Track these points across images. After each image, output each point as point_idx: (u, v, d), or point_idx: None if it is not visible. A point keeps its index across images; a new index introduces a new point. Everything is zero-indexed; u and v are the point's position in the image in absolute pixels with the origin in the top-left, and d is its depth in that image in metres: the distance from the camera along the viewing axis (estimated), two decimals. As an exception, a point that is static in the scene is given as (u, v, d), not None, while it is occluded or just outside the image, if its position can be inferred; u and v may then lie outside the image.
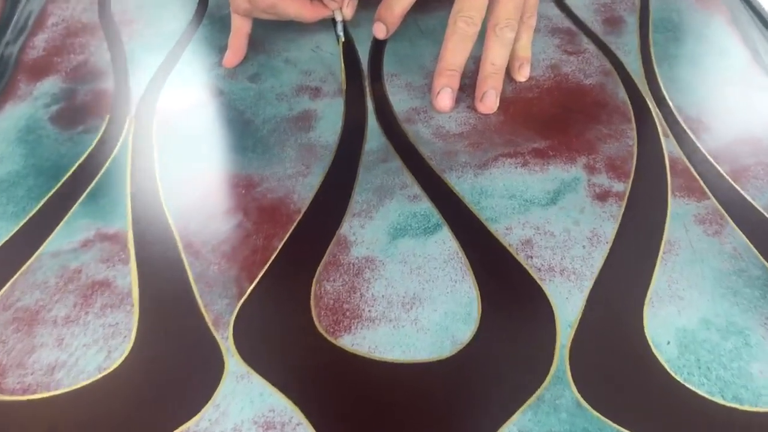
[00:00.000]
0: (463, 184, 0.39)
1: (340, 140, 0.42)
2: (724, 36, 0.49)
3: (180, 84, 0.46)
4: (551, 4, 0.53)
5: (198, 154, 0.41)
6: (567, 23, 0.51)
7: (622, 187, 0.38)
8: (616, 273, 0.34)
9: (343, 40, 0.48)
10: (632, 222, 0.36)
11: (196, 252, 0.35)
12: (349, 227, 0.37)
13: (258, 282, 0.34)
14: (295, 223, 0.37)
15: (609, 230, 0.36)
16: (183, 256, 0.35)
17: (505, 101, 0.44)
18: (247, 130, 0.43)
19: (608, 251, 0.35)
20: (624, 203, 0.38)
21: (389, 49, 0.49)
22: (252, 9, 0.46)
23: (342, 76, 0.47)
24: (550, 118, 0.43)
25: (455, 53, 0.43)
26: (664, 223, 0.36)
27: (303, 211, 0.37)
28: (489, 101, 0.43)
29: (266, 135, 0.42)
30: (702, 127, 0.42)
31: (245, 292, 0.33)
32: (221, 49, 0.49)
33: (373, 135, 0.42)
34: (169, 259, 0.35)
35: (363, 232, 0.36)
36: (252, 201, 0.38)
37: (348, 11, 0.48)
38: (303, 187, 0.39)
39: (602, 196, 0.38)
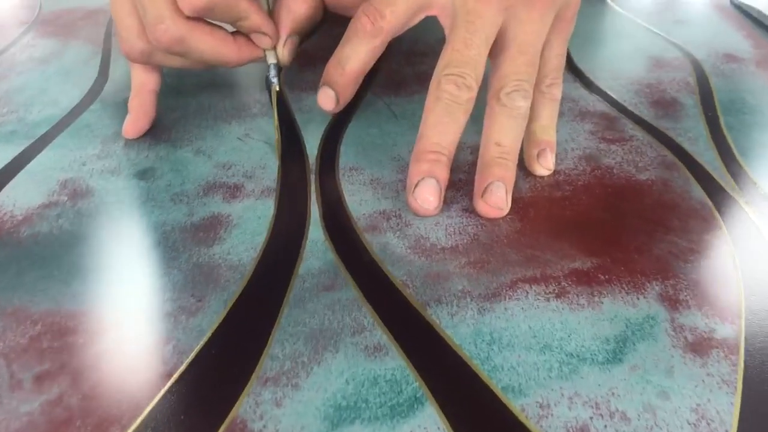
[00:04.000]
0: (460, 327, 0.24)
1: (262, 258, 0.28)
2: (827, 118, 0.37)
3: (32, 183, 0.33)
4: (575, 84, 0.42)
5: (24, 283, 0.27)
6: (601, 106, 0.40)
7: (732, 330, 0.24)
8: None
9: (277, 89, 0.36)
10: (763, 392, 0.22)
11: (-39, 454, 0.20)
12: (253, 404, 0.22)
13: None
14: (158, 397, 0.22)
15: (725, 407, 0.21)
16: (-66, 462, 0.20)
17: (520, 201, 0.31)
18: (114, 243, 0.29)
19: (733, 448, 0.20)
20: (741, 359, 0.23)
21: (349, 136, 0.37)
22: (151, 50, 0.34)
23: (277, 168, 0.34)
24: (593, 226, 0.30)
25: (441, 128, 0.31)
26: (821, 393, 0.22)
27: (177, 374, 0.23)
28: (495, 198, 0.30)
29: (145, 252, 0.29)
30: (839, 237, 0.29)
31: None
32: (105, 139, 0.37)
33: (315, 250, 0.28)
34: None
35: (277, 414, 0.21)
36: (90, 357, 0.23)
37: (285, 53, 0.36)
38: (186, 334, 0.24)
39: (701, 348, 0.24)
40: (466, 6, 0.32)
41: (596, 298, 0.26)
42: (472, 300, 0.26)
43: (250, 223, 0.30)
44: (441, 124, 0.31)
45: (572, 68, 0.45)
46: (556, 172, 0.34)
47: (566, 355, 0.23)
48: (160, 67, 0.38)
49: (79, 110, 0.40)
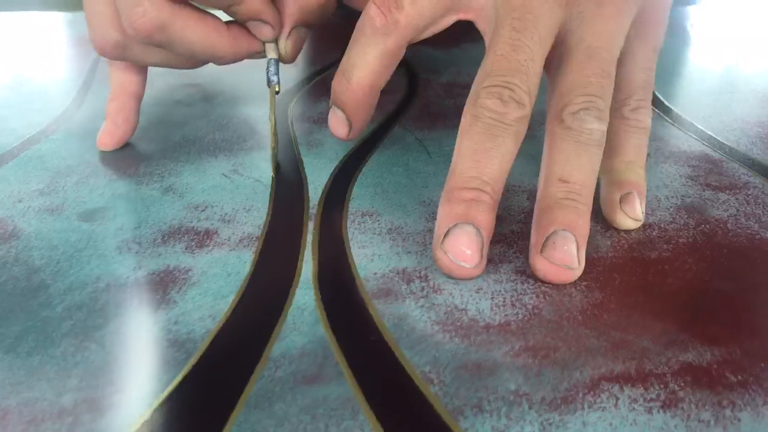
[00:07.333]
0: (511, 453, 0.16)
1: (221, 331, 0.20)
2: None
3: (-54, 221, 0.26)
4: (661, 121, 0.34)
5: None
6: (698, 146, 0.31)
7: None
8: None
9: (278, 89, 0.29)
10: None
11: None
12: None
13: None
14: None
15: None
16: None
17: (598, 263, 0.23)
18: (19, 302, 0.21)
19: None
20: None
21: (366, 175, 0.29)
22: (126, 42, 0.28)
23: (268, 209, 0.27)
24: (708, 301, 0.21)
25: (480, 157, 0.23)
26: None
27: None
28: (561, 253, 0.22)
29: (59, 316, 0.21)
30: None
31: None
32: (57, 173, 0.30)
33: (300, 322, 0.20)
34: None
35: None
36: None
37: (289, 47, 0.29)
38: (83, 445, 0.16)
39: None
40: (511, 2, 0.24)
41: (728, 412, 0.17)
42: (531, 407, 0.17)
43: (215, 282, 0.22)
44: (481, 151, 0.23)
45: (655, 101, 0.37)
46: (647, 226, 0.25)
47: None
48: (144, 68, 0.32)
49: (36, 139, 0.33)
